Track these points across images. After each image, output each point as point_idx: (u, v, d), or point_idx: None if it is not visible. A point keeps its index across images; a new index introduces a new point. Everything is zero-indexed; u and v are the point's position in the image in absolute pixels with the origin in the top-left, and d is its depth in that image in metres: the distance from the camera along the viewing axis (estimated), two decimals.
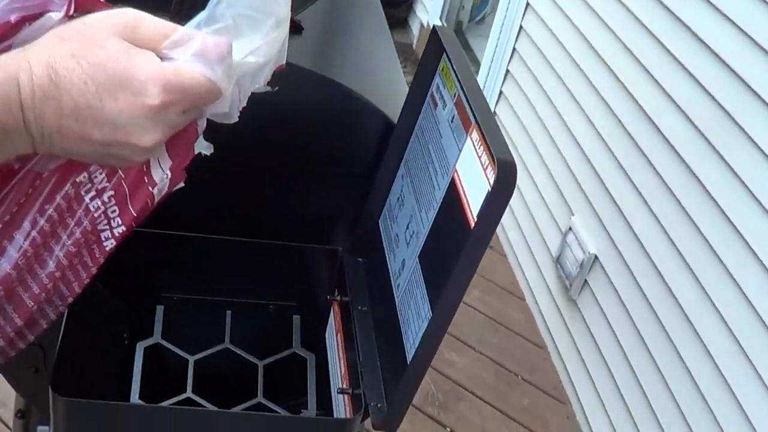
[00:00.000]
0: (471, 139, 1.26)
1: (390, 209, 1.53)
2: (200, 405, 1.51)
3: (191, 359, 1.57)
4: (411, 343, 1.32)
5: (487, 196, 1.15)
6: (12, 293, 1.17)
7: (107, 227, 1.18)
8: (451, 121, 1.34)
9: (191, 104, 0.96)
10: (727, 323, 2.30)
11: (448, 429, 2.91)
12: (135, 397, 1.51)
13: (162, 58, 0.93)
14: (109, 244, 1.19)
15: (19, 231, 1.12)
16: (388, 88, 1.71)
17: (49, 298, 1.21)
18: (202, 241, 1.54)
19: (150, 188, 1.15)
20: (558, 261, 3.16)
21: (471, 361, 3.20)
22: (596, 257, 2.94)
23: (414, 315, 1.33)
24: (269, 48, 1.02)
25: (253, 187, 1.55)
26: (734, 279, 2.28)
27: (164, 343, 1.59)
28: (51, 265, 1.18)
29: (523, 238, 3.54)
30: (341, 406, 1.45)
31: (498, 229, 3.72)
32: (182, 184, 1.16)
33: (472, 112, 1.26)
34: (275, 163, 1.53)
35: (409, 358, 1.31)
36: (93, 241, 1.19)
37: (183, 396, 1.53)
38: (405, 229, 1.44)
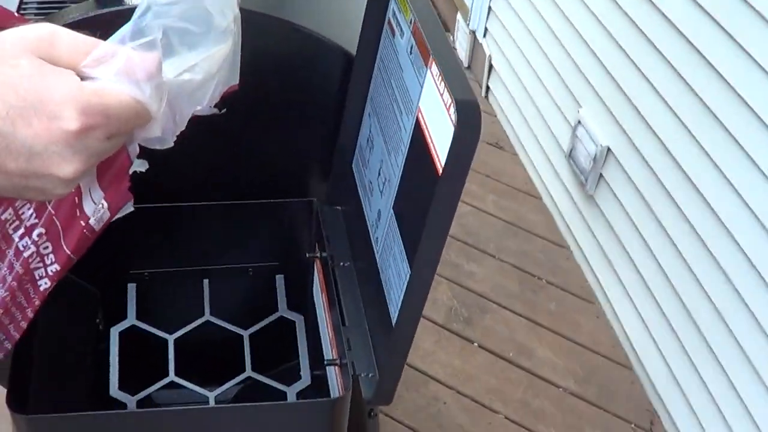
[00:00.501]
0: (431, 72, 1.09)
1: (361, 152, 1.37)
2: (184, 388, 1.38)
3: (170, 338, 1.44)
4: (394, 305, 1.18)
5: (452, 138, 0.99)
6: None
7: (41, 265, 1.06)
8: (410, 52, 1.18)
9: (116, 129, 0.83)
10: (750, 208, 2.15)
11: (476, 344, 2.78)
12: (114, 389, 1.38)
13: (82, 77, 0.81)
14: (44, 284, 1.07)
15: None
16: (346, 18, 1.53)
17: None
18: (168, 210, 1.40)
19: (83, 222, 1.01)
20: (570, 156, 3.00)
21: (492, 271, 3.05)
22: (609, 150, 2.78)
23: (394, 273, 1.18)
24: (208, 64, 0.91)
25: (216, 149, 1.40)
26: (754, 161, 2.12)
27: (140, 324, 1.46)
28: None
29: (533, 135, 3.37)
30: (333, 377, 1.32)
31: (507, 127, 3.57)
32: (131, 208, 1.02)
33: (429, 41, 1.09)
34: (236, 121, 1.37)
35: (394, 321, 1.17)
36: (27, 281, 1.06)
37: (166, 380, 1.40)
38: (377, 176, 1.28)
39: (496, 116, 3.71)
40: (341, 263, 1.35)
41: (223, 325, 1.45)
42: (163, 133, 0.90)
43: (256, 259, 1.50)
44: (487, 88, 3.75)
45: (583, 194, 2.96)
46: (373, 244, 1.28)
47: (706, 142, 2.28)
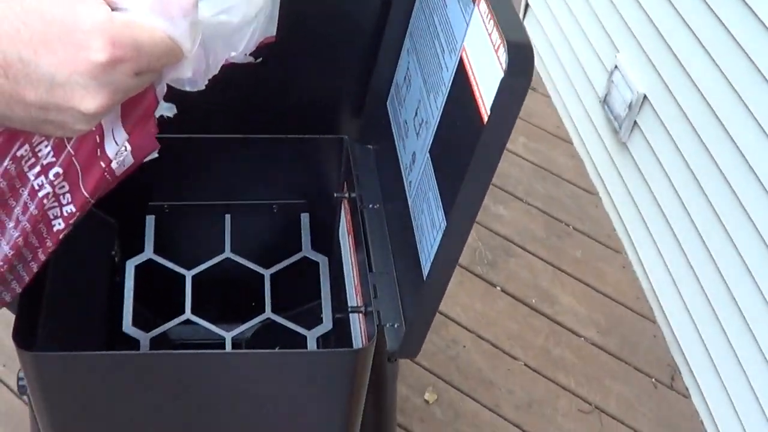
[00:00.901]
0: (479, 10, 1.01)
1: (397, 89, 1.29)
2: (200, 327, 1.32)
3: (188, 274, 1.37)
4: (426, 256, 1.10)
5: (500, 84, 0.90)
6: None
7: (56, 205, 0.98)
8: None
9: (146, 65, 0.79)
10: None
11: (498, 288, 2.71)
12: (127, 325, 1.32)
13: (113, 8, 0.77)
14: (58, 225, 1.00)
15: None
16: None
17: None
18: (192, 141, 1.32)
19: (103, 164, 0.94)
20: (605, 102, 2.90)
21: (519, 214, 2.96)
22: (645, 97, 2.68)
23: (428, 221, 1.10)
24: (246, 7, 0.87)
25: (245, 81, 1.31)
26: None
27: (157, 258, 1.39)
28: None
29: (567, 78, 3.27)
30: (356, 326, 1.25)
31: (541, 69, 3.46)
32: (155, 154, 0.98)
33: None
34: (268, 52, 1.29)
35: (425, 273, 1.09)
36: (41, 221, 0.99)
37: (182, 318, 1.34)
38: (414, 116, 1.20)
39: None
40: (370, 205, 1.28)
41: (243, 263, 1.38)
42: (194, 74, 0.86)
43: (282, 196, 1.42)
44: None
45: (615, 141, 2.87)
46: (406, 188, 1.20)
47: (747, 95, 2.19)
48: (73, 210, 0.98)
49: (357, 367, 1.10)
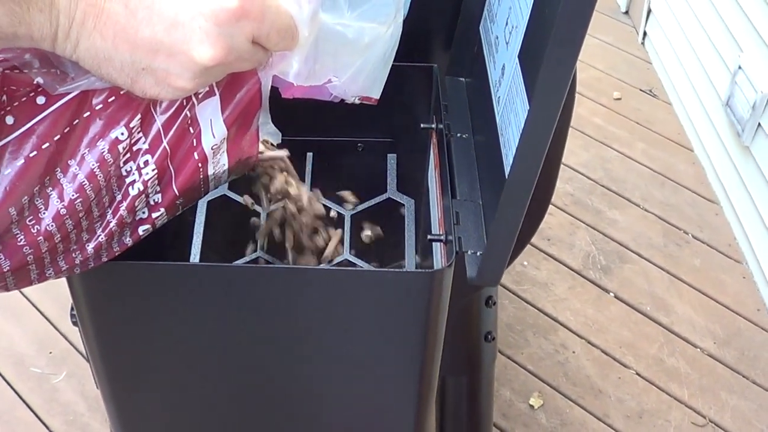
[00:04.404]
0: None
1: (489, 8, 1.16)
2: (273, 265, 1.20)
3: (263, 212, 1.25)
4: (509, 161, 0.96)
5: None
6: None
7: (145, 205, 0.90)
8: None
9: (266, 33, 0.76)
10: None
11: (612, 294, 2.54)
12: (195, 260, 1.20)
13: None
14: (142, 228, 0.91)
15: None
16: None
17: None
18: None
19: (197, 157, 0.88)
20: (728, 104, 2.72)
21: (636, 220, 2.79)
22: None
23: (514, 128, 0.96)
24: (359, 30, 0.88)
25: None
26: None
27: (231, 194, 1.28)
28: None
29: (689, 82, 3.09)
30: (439, 261, 1.11)
31: (662, 75, 3.32)
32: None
33: None
34: None
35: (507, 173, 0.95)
36: (128, 226, 0.90)
37: (253, 256, 1.22)
38: (504, 26, 1.06)
39: (651, 63, 3.44)
40: (458, 134, 1.15)
41: (323, 202, 1.26)
42: (299, 69, 0.85)
43: (368, 134, 1.30)
44: (644, 33, 3.48)
45: (738, 145, 2.69)
46: (495, 106, 1.06)
47: None
48: (163, 213, 0.89)
49: (433, 290, 0.96)
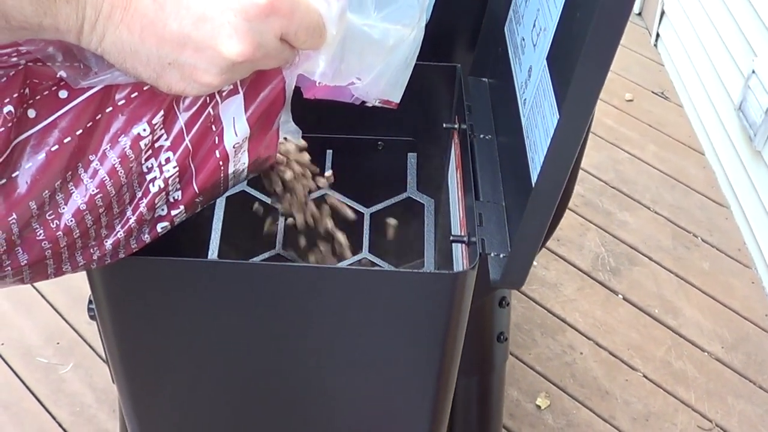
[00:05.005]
0: None
1: (516, 9, 1.14)
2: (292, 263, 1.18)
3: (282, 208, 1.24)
4: (536, 166, 0.95)
5: None
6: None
7: (165, 203, 0.88)
8: None
9: (294, 30, 0.75)
10: None
11: (620, 296, 2.52)
12: (213, 256, 1.19)
13: None
14: (161, 226, 0.90)
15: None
16: None
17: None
18: None
19: (219, 155, 0.86)
20: (740, 109, 2.70)
21: (645, 222, 2.77)
22: None
23: (541, 132, 0.95)
24: (385, 32, 0.87)
25: None
26: None
27: (250, 191, 1.26)
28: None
29: (701, 85, 3.07)
30: (459, 261, 1.09)
31: (674, 77, 3.30)
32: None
33: None
34: None
35: (534, 180, 0.94)
36: (147, 223, 0.89)
37: (272, 252, 1.21)
38: (532, 28, 1.05)
39: (663, 65, 3.42)
40: (482, 135, 1.13)
41: (342, 200, 1.24)
42: (326, 69, 0.84)
43: (388, 133, 1.29)
44: (657, 35, 3.46)
45: (750, 150, 2.67)
46: (520, 109, 1.05)
47: None
48: (182, 210, 0.88)
49: (455, 292, 0.94)
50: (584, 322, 2.44)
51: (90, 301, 1.06)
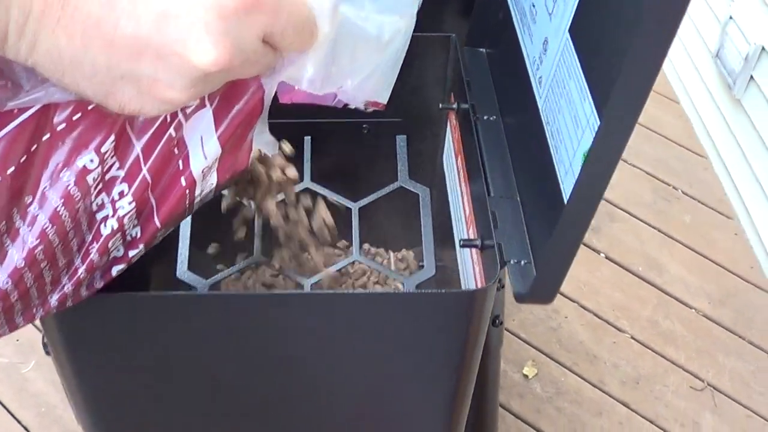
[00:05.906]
0: None
1: None
2: (274, 269, 1.01)
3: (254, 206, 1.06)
4: (566, 169, 0.77)
5: None
6: None
7: (121, 244, 0.70)
8: None
9: (280, 29, 0.59)
10: None
11: (602, 254, 2.38)
12: (182, 269, 1.01)
13: None
14: (117, 268, 0.72)
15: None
16: None
17: None
18: None
19: (185, 183, 0.69)
20: (718, 56, 2.55)
21: (624, 176, 2.64)
22: (763, 49, 2.33)
23: (569, 121, 0.78)
24: (379, 25, 0.73)
25: None
26: None
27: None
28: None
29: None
30: (468, 265, 0.92)
31: None
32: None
33: None
34: None
35: (566, 194, 0.76)
36: (98, 269, 0.71)
37: (250, 260, 1.03)
38: None
39: None
40: (485, 116, 0.96)
41: (326, 194, 1.07)
42: (313, 74, 0.69)
43: (373, 114, 1.11)
44: None
45: (729, 98, 2.53)
46: (534, 88, 0.87)
47: None
48: (141, 249, 0.70)
49: (473, 313, 0.78)
50: (567, 284, 2.26)
51: (43, 336, 0.88)
